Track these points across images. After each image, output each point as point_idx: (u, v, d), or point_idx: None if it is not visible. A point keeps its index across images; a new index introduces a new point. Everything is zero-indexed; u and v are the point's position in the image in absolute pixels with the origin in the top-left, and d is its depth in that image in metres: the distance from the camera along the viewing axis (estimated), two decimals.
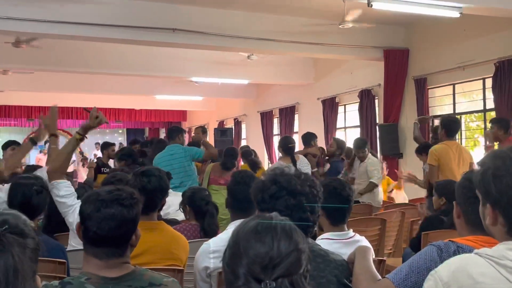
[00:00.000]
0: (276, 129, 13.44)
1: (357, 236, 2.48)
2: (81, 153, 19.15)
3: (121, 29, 7.21)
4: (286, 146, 6.11)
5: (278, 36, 8.08)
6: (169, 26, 7.38)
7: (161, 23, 7.37)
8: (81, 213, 1.84)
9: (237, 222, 2.57)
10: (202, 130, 7.25)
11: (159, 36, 7.43)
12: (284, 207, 1.85)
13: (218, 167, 6.85)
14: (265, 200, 1.89)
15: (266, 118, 13.64)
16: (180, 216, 3.96)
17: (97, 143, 18.83)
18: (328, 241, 2.33)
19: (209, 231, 3.37)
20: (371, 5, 5.74)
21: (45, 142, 3.22)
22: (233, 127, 15.55)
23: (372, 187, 6.59)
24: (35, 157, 18.67)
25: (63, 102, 15.96)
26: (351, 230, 2.49)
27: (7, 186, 3.12)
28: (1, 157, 5.63)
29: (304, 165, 6.11)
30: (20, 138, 20.93)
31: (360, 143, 6.86)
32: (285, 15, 8.07)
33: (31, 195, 2.80)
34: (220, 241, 2.48)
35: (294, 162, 5.98)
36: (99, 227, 1.77)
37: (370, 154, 6.82)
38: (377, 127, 9.41)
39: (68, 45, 9.20)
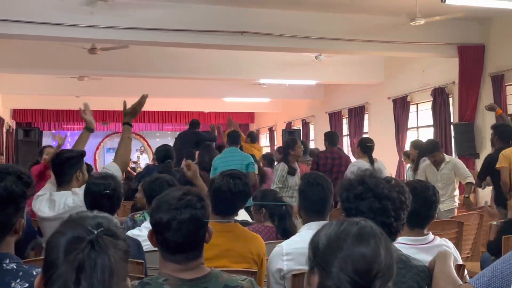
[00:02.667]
0: (345, 130, 13.28)
1: (437, 240, 2.38)
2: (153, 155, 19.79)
3: (191, 33, 7.36)
4: (365, 145, 6.05)
5: (347, 35, 7.98)
6: (237, 29, 7.46)
7: (229, 27, 7.46)
8: (156, 223, 1.83)
9: (312, 225, 2.58)
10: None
11: (228, 39, 7.52)
12: (368, 209, 1.83)
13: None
14: (349, 199, 1.88)
15: (334, 118, 13.51)
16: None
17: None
18: (404, 246, 2.26)
19: (287, 232, 3.36)
20: (444, 1, 5.56)
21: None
22: (301, 128, 15.51)
23: (472, 187, 6.10)
24: None
25: None
26: (431, 233, 2.40)
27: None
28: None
29: (383, 168, 6.02)
30: (95, 141, 22.05)
31: (430, 147, 6.22)
32: (354, 14, 7.96)
33: (101, 200, 2.86)
34: (293, 243, 2.47)
35: (371, 161, 5.91)
36: (178, 235, 1.78)
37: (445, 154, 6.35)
38: (451, 126, 9.10)
39: (140, 50, 9.50)
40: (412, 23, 7.03)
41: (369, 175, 1.92)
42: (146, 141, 22.30)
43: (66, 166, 3.36)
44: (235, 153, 6.30)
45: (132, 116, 3.69)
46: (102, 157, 22.11)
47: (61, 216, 2.97)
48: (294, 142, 6.55)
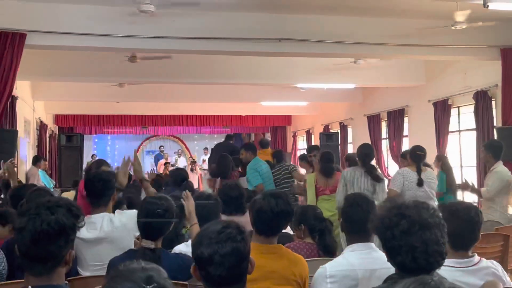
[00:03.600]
0: (384, 133, 13.13)
1: (484, 262, 2.33)
2: (191, 158, 19.99)
3: (229, 41, 7.42)
4: (415, 153, 5.88)
5: (386, 39, 7.90)
6: (275, 36, 7.48)
7: (267, 34, 7.48)
8: (198, 258, 1.85)
9: (356, 246, 2.57)
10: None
11: (265, 46, 7.55)
12: (421, 242, 1.80)
13: (319, 175, 6.88)
14: (395, 237, 1.85)
15: (373, 121, 13.38)
16: None
17: (205, 148, 19.50)
18: (450, 269, 2.23)
19: (328, 249, 3.35)
20: (487, 6, 5.44)
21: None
22: (339, 131, 15.41)
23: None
24: (159, 163, 19.63)
25: (173, 110, 16.80)
26: (476, 255, 2.36)
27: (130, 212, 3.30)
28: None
29: (431, 180, 5.87)
30: (135, 145, 22.46)
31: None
32: (392, 18, 7.87)
33: (153, 218, 2.91)
34: (337, 265, 2.46)
35: (419, 171, 5.78)
36: (220, 270, 1.79)
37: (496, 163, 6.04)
38: (494, 130, 8.90)
39: (178, 57, 9.62)
40: (453, 28, 6.91)
41: (406, 207, 1.89)
42: (184, 143, 22.59)
43: (106, 187, 3.37)
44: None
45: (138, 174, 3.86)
46: (142, 159, 22.47)
47: (102, 237, 3.01)
48: None
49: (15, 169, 6.42)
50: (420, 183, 5.68)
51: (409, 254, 1.82)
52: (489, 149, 6.11)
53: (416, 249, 1.63)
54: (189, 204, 3.22)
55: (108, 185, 3.38)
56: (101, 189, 3.36)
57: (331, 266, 2.48)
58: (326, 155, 7.04)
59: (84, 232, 3.20)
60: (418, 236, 1.81)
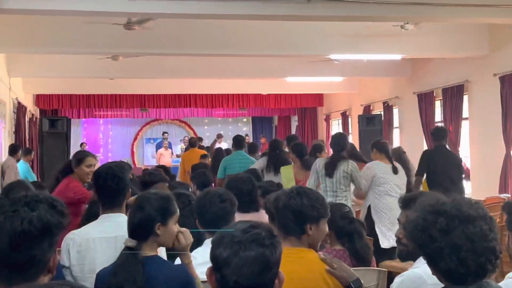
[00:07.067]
0: (438, 115, 13.04)
1: None
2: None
3: (247, 3, 7.41)
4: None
5: None
6: None
7: None
8: (214, 258, 1.88)
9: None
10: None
11: (291, 8, 7.53)
12: (465, 238, 1.82)
13: (300, 167, 7.76)
14: (434, 238, 1.87)
15: (425, 100, 13.28)
16: None
17: (219, 135, 19.58)
18: None
19: (362, 256, 3.37)
20: None
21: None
22: (381, 113, 15.34)
23: None
24: (157, 153, 19.80)
25: (179, 89, 16.88)
26: None
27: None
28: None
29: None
30: (133, 130, 22.55)
31: None
32: None
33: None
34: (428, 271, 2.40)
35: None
36: (239, 275, 1.81)
37: None
38: None
39: (185, 24, 9.64)
40: None
41: (442, 203, 1.91)
42: (192, 129, 22.69)
43: (121, 185, 3.45)
44: None
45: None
46: (140, 149, 22.66)
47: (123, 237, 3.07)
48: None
49: None
50: None
51: (453, 256, 1.83)
52: None
53: (460, 249, 1.63)
54: (186, 237, 3.02)
55: (123, 183, 3.45)
56: (116, 187, 3.43)
57: (425, 271, 2.45)
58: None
59: (98, 229, 3.35)
60: (460, 232, 1.82)
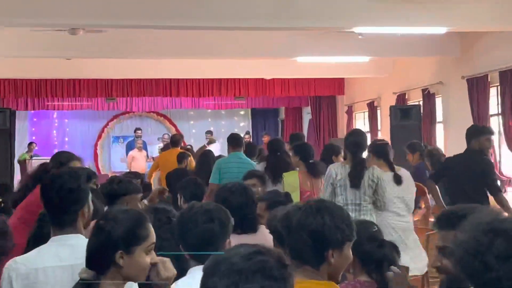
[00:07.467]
0: (493, 106, 13.04)
1: None
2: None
3: None
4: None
5: None
6: None
7: None
8: None
9: None
10: None
11: None
12: None
13: (305, 174, 7.75)
14: (491, 267, 1.85)
15: (477, 87, 13.29)
16: None
17: (208, 132, 19.56)
18: None
19: None
20: None
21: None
22: (420, 103, 15.34)
23: None
24: (128, 155, 19.79)
25: (157, 72, 16.84)
26: None
27: None
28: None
29: None
30: (97, 126, 22.63)
31: None
32: None
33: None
34: None
35: None
36: None
37: None
38: None
39: None
40: None
41: (500, 221, 1.93)
42: (174, 125, 22.73)
43: (71, 199, 3.42)
44: None
45: None
46: (106, 150, 22.74)
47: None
48: None
49: None
50: None
51: None
52: None
53: None
54: (166, 269, 2.99)
55: (74, 196, 3.42)
56: (61, 202, 3.40)
57: None
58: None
59: (49, 256, 3.30)
60: None
